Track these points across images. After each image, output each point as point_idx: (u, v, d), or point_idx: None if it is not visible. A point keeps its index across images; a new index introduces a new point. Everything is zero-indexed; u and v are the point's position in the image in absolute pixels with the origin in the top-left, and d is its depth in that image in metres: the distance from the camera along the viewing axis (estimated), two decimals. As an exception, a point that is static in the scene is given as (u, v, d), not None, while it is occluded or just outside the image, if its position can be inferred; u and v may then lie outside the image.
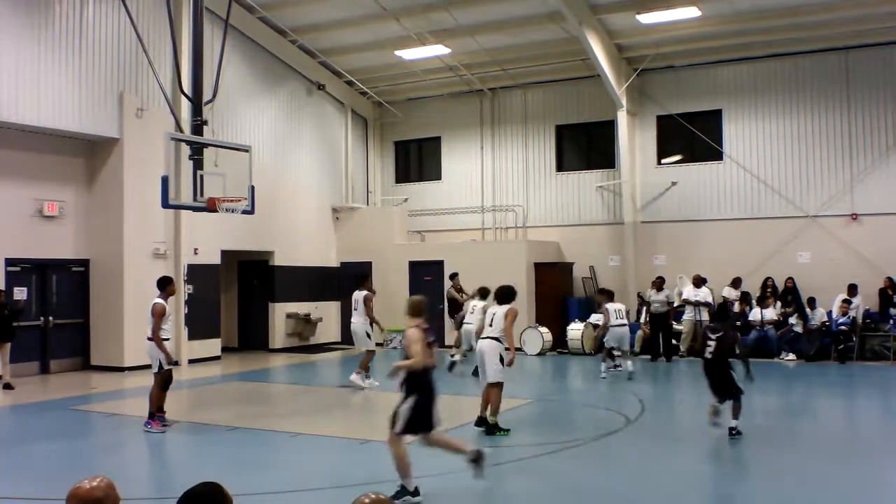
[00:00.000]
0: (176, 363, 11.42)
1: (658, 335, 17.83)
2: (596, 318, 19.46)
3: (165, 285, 10.54)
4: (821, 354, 17.18)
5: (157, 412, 10.43)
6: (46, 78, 15.13)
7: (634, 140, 20.53)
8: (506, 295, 10.21)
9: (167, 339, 10.37)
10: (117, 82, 16.44)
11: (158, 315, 10.18)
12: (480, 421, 10.07)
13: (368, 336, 13.87)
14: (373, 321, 13.98)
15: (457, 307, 17.46)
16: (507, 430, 9.84)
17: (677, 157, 20.66)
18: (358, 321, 13.88)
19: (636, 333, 18.69)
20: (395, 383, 7.14)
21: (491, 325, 10.03)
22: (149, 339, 10.29)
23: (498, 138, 22.66)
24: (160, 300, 10.32)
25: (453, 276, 18.30)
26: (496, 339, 9.93)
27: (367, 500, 2.78)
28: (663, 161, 20.71)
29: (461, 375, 14.80)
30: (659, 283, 17.92)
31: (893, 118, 18.16)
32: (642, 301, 19.11)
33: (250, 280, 20.98)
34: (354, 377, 13.71)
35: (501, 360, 9.86)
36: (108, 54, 16.31)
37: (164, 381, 10.46)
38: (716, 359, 9.34)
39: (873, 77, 18.34)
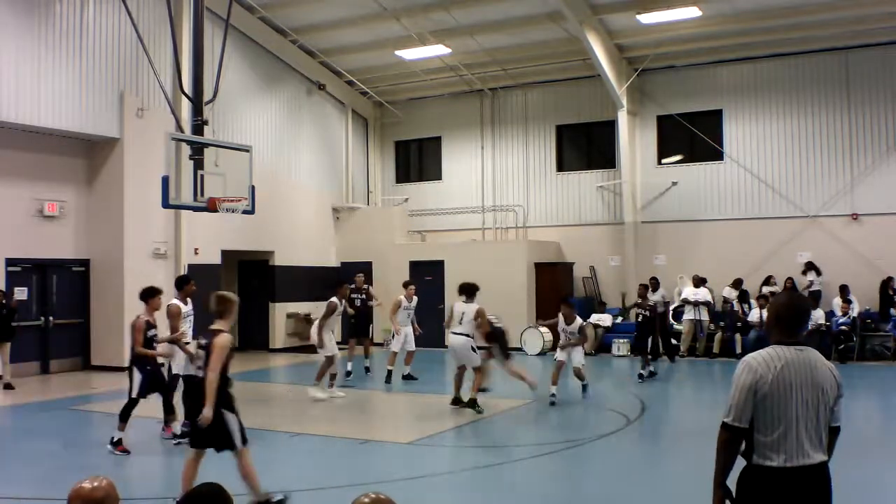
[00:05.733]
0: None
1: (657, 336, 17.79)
2: (597, 318, 19.47)
3: (183, 285, 9.99)
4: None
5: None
6: (46, 78, 15.13)
7: (635, 140, 20.52)
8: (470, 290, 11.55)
9: (188, 343, 9.50)
10: (118, 82, 16.44)
11: (172, 317, 9.52)
12: (455, 401, 11.47)
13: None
14: (320, 328, 13.08)
15: None
16: (482, 411, 10.99)
17: (677, 157, 20.65)
18: (314, 325, 13.26)
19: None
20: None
21: (461, 323, 11.39)
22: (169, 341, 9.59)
23: (498, 138, 22.65)
24: (176, 301, 9.74)
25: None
26: (467, 335, 11.33)
27: (366, 500, 2.78)
28: (663, 161, 20.70)
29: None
30: (654, 284, 17.91)
31: (893, 118, 18.15)
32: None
33: (250, 280, 20.97)
34: (312, 391, 12.74)
35: (473, 349, 11.35)
36: (109, 54, 16.32)
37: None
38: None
39: (873, 77, 18.33)
